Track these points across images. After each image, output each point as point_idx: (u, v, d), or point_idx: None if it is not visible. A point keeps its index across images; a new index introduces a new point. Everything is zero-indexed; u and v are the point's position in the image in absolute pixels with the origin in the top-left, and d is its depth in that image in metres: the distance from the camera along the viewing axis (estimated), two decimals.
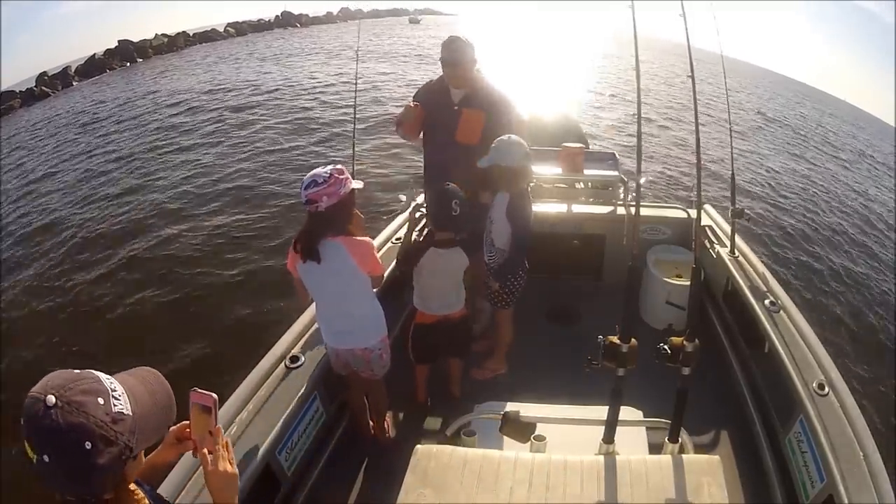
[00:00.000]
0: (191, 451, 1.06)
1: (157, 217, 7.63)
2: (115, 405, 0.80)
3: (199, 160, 10.18)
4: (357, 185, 2.01)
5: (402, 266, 2.51)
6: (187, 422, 1.04)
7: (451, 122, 2.74)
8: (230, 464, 1.05)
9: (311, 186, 1.92)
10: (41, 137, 14.42)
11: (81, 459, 0.76)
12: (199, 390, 1.01)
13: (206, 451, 1.03)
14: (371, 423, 2.57)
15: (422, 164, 3.05)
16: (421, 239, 2.48)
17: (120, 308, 5.48)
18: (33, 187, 9.93)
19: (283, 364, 2.21)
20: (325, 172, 1.93)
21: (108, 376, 0.84)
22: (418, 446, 1.83)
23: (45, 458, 0.76)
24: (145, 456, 0.93)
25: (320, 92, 16.35)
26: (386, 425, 2.61)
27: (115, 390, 0.82)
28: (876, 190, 12.80)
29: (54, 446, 0.76)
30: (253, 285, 5.72)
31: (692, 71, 2.03)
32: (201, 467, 1.04)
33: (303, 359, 2.24)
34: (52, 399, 0.75)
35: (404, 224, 3.38)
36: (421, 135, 2.93)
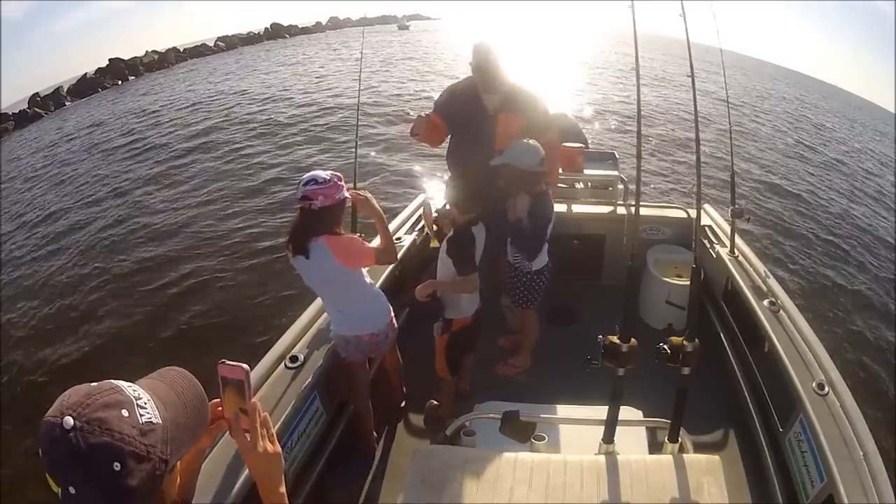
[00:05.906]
0: (227, 433, 0.95)
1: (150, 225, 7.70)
2: (141, 415, 0.71)
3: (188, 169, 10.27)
4: (346, 194, 2.11)
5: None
6: (218, 399, 0.93)
7: (487, 130, 2.65)
8: (271, 441, 0.95)
9: (311, 184, 2.00)
10: (37, 158, 14.32)
11: (112, 484, 0.67)
12: (228, 362, 0.91)
13: (242, 429, 0.93)
14: (391, 383, 2.68)
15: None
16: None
17: (108, 319, 5.46)
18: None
19: (283, 364, 2.21)
20: (327, 175, 2.02)
21: (129, 384, 0.75)
22: (418, 446, 1.82)
23: (71, 489, 0.66)
24: None
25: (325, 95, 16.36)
26: (403, 389, 2.75)
27: (139, 398, 0.73)
28: (877, 187, 12.77)
29: (79, 475, 0.66)
30: (252, 284, 5.72)
31: (692, 70, 2.03)
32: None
33: (303, 359, 2.24)
34: (70, 421, 0.66)
35: (404, 223, 3.38)
36: (448, 139, 2.83)
